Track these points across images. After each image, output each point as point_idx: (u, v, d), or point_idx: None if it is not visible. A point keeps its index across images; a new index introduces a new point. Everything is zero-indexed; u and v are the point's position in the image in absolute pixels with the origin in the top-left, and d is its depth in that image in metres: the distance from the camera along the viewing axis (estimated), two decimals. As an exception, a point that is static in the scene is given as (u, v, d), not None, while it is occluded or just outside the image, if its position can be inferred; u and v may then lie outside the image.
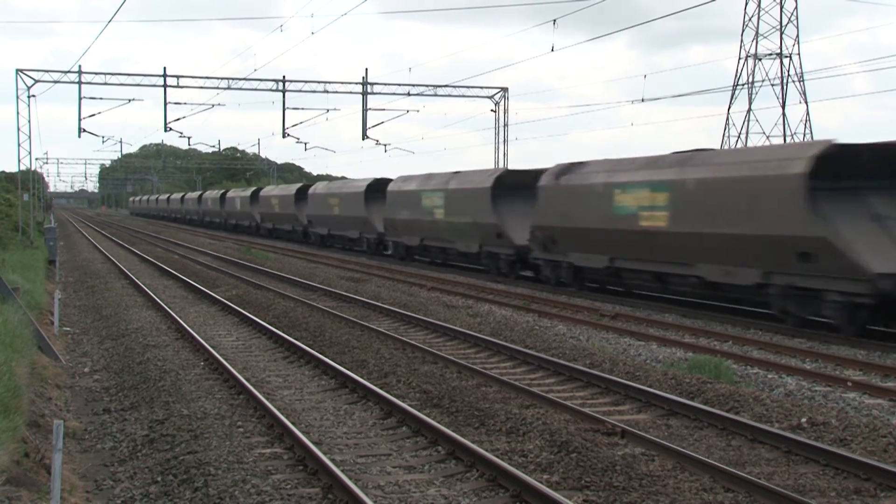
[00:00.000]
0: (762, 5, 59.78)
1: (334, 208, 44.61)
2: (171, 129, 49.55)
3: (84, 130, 48.10)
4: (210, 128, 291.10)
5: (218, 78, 47.40)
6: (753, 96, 61.34)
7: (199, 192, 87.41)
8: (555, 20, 31.55)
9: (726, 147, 60.48)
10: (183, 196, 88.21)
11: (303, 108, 52.06)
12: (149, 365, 14.43)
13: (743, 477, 8.41)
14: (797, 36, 61.81)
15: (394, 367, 13.96)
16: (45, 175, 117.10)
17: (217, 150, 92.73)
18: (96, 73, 46.63)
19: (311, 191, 49.72)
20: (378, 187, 39.63)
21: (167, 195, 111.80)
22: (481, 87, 50.93)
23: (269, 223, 58.94)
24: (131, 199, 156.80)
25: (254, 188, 67.57)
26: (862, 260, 16.27)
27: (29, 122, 54.59)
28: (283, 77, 48.28)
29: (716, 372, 13.46)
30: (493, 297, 24.25)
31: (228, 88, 47.77)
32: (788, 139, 58.97)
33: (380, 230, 39.21)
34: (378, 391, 11.89)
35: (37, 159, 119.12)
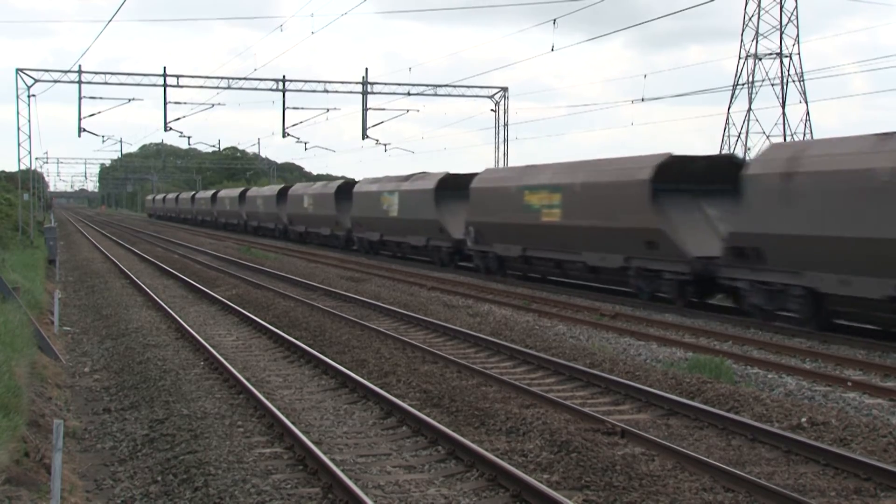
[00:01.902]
0: (762, 5, 59.69)
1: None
2: (171, 128, 49.55)
3: (84, 130, 48.11)
4: (210, 127, 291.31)
5: (218, 78, 47.43)
6: (753, 96, 61.24)
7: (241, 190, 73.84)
8: (555, 20, 31.52)
9: (726, 147, 60.69)
10: (243, 192, 68.28)
11: (303, 108, 52.17)
12: (149, 364, 14.43)
13: (743, 477, 8.41)
14: (797, 36, 61.60)
15: (394, 367, 13.96)
16: (45, 175, 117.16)
17: (217, 149, 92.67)
18: (96, 73, 46.64)
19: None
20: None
21: (209, 192, 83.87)
22: (481, 87, 50.95)
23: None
24: (150, 196, 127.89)
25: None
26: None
27: (29, 121, 54.60)
28: (283, 77, 48.31)
29: (716, 372, 13.47)
30: (493, 296, 24.26)
31: (228, 88, 47.79)
32: (789, 139, 58.93)
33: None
34: (378, 391, 11.89)
35: (37, 159, 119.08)
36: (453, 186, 32.95)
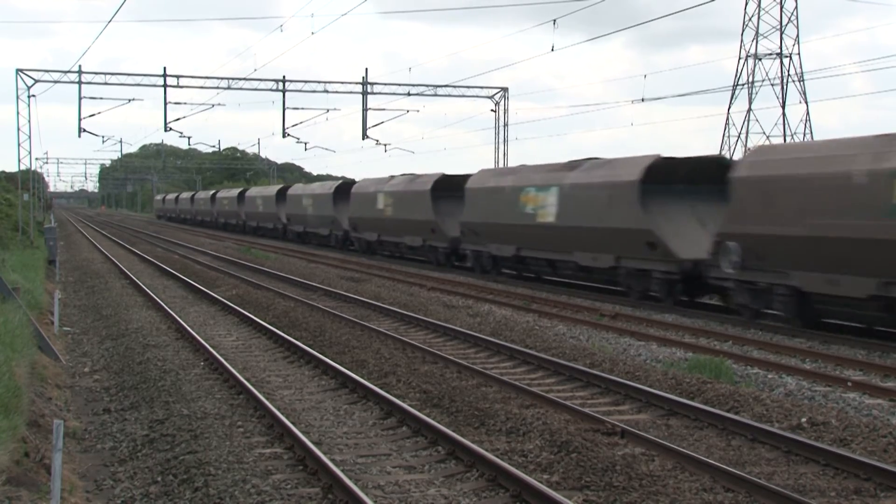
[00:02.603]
0: (762, 5, 59.77)
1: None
2: (171, 128, 49.61)
3: (84, 130, 48.18)
4: (210, 128, 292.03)
5: (218, 78, 47.47)
6: (753, 96, 61.33)
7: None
8: (555, 20, 31.60)
9: (725, 148, 60.68)
10: (282, 191, 57.80)
11: (303, 108, 52.17)
12: (149, 365, 14.43)
13: (743, 477, 8.41)
14: (797, 36, 61.69)
15: (394, 367, 13.96)
16: (45, 175, 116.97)
17: (217, 150, 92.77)
18: (96, 73, 46.70)
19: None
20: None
21: (235, 191, 71.76)
22: (481, 87, 51.01)
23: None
24: (159, 196, 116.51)
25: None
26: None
27: (29, 122, 54.46)
28: (283, 77, 48.33)
29: (716, 372, 13.46)
30: (493, 297, 24.25)
31: (228, 88, 47.83)
32: (789, 139, 59.00)
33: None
34: (378, 391, 11.89)
35: (37, 159, 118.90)
36: (668, 178, 22.14)
